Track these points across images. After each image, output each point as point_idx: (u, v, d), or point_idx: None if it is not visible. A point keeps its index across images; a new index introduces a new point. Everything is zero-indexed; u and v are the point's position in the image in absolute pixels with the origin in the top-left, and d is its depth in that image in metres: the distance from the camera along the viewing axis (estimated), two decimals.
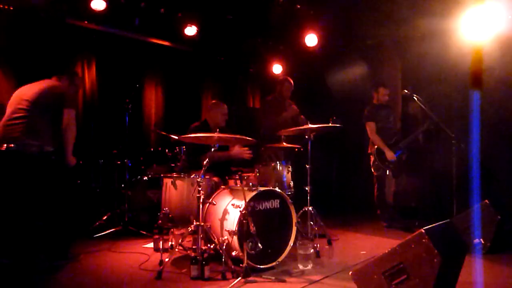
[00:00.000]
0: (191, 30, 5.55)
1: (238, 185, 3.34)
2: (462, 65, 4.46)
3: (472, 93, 4.19)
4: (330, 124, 3.72)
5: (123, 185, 4.58)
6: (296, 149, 4.34)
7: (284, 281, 2.85)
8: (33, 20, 4.78)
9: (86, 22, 5.27)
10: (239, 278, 2.79)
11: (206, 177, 3.41)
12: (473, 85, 3.99)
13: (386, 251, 2.28)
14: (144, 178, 4.76)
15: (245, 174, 3.46)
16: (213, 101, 4.41)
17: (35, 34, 4.79)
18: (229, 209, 3.13)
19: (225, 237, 3.05)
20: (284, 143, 4.04)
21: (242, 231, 2.91)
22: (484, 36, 4.22)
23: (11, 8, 4.65)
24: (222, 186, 3.57)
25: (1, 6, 4.60)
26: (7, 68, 4.63)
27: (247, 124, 6.31)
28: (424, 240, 2.12)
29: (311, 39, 5.69)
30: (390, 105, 5.12)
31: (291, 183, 3.90)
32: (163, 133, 4.81)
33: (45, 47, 4.82)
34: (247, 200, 2.97)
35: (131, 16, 5.27)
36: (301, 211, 3.80)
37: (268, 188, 3.34)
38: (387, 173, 4.83)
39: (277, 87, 4.85)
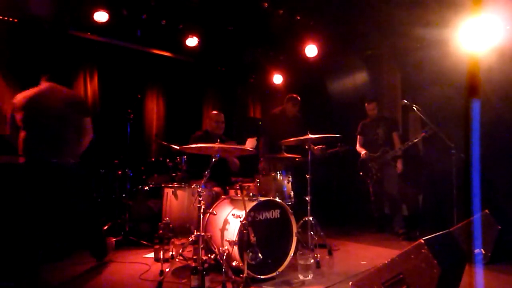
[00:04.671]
0: (192, 41, 5.63)
1: (239, 195, 3.36)
2: (460, 74, 4.49)
3: (471, 102, 4.22)
4: (329, 135, 3.74)
5: (124, 195, 4.59)
6: (297, 159, 4.35)
7: None
8: (37, 32, 4.86)
9: (89, 33, 5.37)
10: None
11: (207, 187, 3.42)
12: (470, 94, 4.02)
13: (386, 262, 2.28)
14: (145, 188, 4.77)
15: (245, 184, 3.48)
16: (213, 112, 4.47)
17: (39, 46, 4.86)
18: (230, 219, 3.14)
19: (226, 247, 3.05)
20: (285, 153, 4.06)
21: (242, 241, 2.91)
22: (481, 46, 4.27)
23: (15, 20, 4.73)
24: (223, 196, 3.59)
25: (6, 18, 4.68)
26: (11, 79, 4.69)
27: (248, 134, 6.33)
28: (423, 251, 2.13)
29: (311, 50, 5.75)
30: (384, 117, 5.13)
31: (291, 193, 3.90)
32: (164, 143, 4.84)
33: (48, 58, 4.89)
34: (247, 210, 2.98)
35: (133, 28, 5.36)
36: (302, 221, 3.80)
37: (269, 198, 3.36)
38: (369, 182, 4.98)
39: (284, 103, 4.91)
